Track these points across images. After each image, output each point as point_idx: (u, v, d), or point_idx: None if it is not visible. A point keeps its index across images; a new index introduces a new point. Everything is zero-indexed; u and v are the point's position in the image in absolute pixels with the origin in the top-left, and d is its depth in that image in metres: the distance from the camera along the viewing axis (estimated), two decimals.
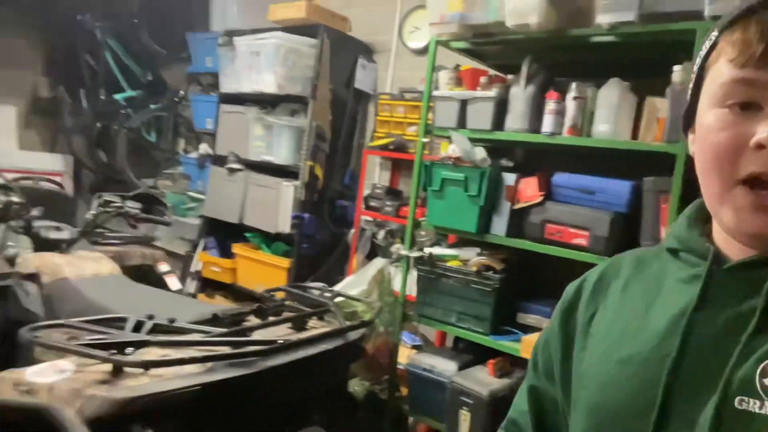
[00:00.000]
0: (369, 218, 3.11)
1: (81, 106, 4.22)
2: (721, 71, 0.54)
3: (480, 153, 2.18)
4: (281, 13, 3.30)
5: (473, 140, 2.19)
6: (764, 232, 0.53)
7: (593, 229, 1.90)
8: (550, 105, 2.00)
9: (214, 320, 1.47)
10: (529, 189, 2.09)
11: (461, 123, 2.25)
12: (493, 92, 2.16)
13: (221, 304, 3.01)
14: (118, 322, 1.32)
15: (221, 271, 3.41)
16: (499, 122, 2.16)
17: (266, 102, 3.35)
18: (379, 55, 3.43)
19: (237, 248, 3.38)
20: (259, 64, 3.23)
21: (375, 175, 3.36)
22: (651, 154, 1.82)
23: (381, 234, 2.99)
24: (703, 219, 0.63)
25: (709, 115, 0.55)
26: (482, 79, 2.23)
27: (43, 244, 1.94)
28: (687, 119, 0.61)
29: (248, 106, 3.38)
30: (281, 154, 3.25)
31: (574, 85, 1.97)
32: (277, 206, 3.16)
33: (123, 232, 2.34)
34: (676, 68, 1.74)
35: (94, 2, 4.06)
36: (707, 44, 0.58)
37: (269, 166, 3.29)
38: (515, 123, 2.11)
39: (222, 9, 3.74)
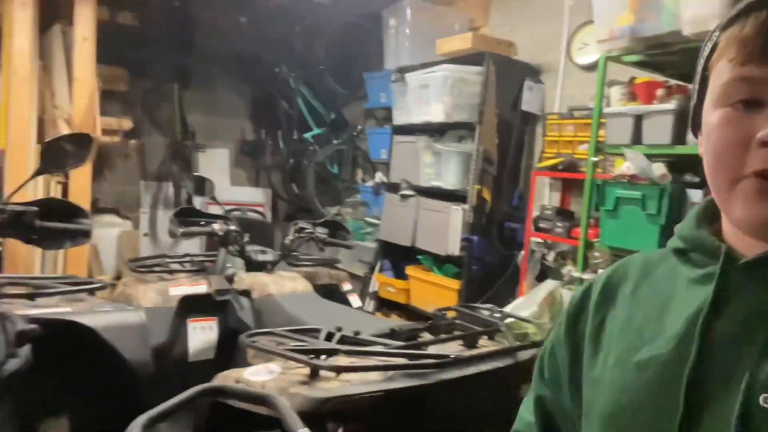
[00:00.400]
0: (539, 240, 3.07)
1: (278, 145, 4.85)
2: (723, 71, 0.54)
3: (659, 169, 2.06)
4: (448, 46, 3.48)
5: (651, 156, 2.08)
6: None
7: None
8: None
9: (392, 335, 1.61)
10: None
11: (636, 139, 2.16)
12: (672, 104, 2.04)
13: (397, 321, 3.21)
14: (313, 333, 1.53)
15: (396, 291, 3.63)
16: (680, 135, 2.03)
17: (435, 130, 3.53)
18: (546, 74, 3.40)
19: (410, 270, 3.57)
20: (428, 95, 3.42)
21: (544, 196, 3.31)
22: None
23: (551, 256, 2.94)
24: (710, 218, 0.62)
25: (713, 115, 0.55)
26: (659, 92, 2.11)
27: (253, 265, 2.28)
28: (695, 121, 0.61)
29: (418, 135, 3.60)
30: (449, 179, 3.39)
31: None
32: (446, 229, 3.29)
33: (313, 254, 2.65)
34: None
35: (289, 55, 4.67)
36: (709, 45, 0.57)
37: (439, 191, 3.44)
38: None
39: (395, 48, 4.04)
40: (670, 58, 2.17)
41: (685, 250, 0.63)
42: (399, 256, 3.76)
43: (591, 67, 3.06)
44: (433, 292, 3.35)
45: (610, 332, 0.64)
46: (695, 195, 1.98)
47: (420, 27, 3.85)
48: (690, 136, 1.99)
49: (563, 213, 3.03)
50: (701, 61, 0.59)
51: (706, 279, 0.58)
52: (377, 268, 3.88)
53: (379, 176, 4.21)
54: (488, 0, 3.77)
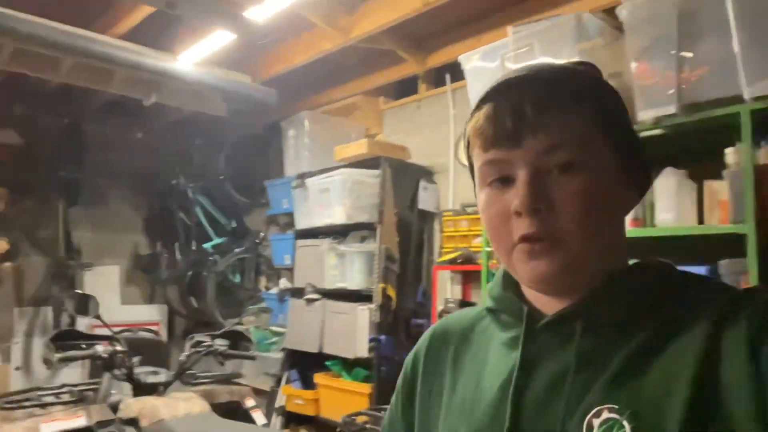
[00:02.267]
0: None
1: (175, 258, 4.63)
2: (477, 157, 0.62)
3: None
4: (346, 152, 3.62)
5: None
6: (545, 272, 0.57)
7: None
8: None
9: None
10: None
11: None
12: None
13: None
14: None
15: (304, 403, 3.42)
16: None
17: (337, 233, 3.56)
18: (438, 175, 3.62)
19: (319, 378, 3.41)
20: (329, 198, 3.49)
21: (447, 289, 3.38)
22: (719, 237, 1.77)
23: None
24: (516, 281, 0.66)
25: (481, 195, 0.63)
26: None
27: (142, 389, 2.07)
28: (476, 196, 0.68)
29: (321, 238, 3.61)
30: (354, 279, 3.38)
31: None
32: (354, 331, 3.22)
33: (212, 370, 2.46)
34: (728, 150, 1.75)
35: (187, 167, 4.62)
36: (465, 137, 0.65)
37: (344, 293, 3.40)
38: None
39: (294, 157, 4.14)
40: None
41: (496, 309, 0.68)
42: (307, 365, 3.59)
43: None
44: (344, 399, 3.19)
45: (437, 404, 0.68)
46: None
47: (318, 136, 4.00)
48: None
49: (466, 304, 3.09)
50: (464, 151, 0.67)
51: (514, 342, 0.63)
52: (284, 379, 3.67)
53: (284, 282, 4.11)
54: (381, 111, 4.03)
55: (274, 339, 3.91)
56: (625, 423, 0.51)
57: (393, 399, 0.75)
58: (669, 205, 1.90)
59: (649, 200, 1.97)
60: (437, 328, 0.75)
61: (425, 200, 3.54)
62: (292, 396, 3.52)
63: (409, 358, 0.75)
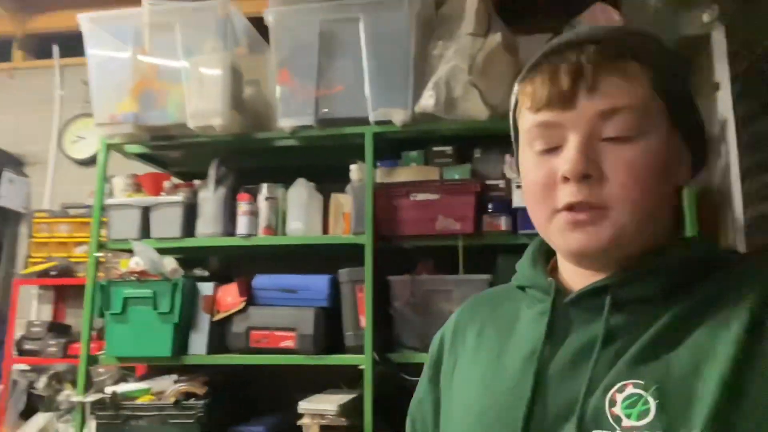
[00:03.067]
0: (24, 366, 2.41)
1: None
2: (525, 118, 0.60)
3: (170, 263, 1.93)
4: None
5: (161, 250, 1.94)
6: (587, 246, 0.56)
7: (299, 329, 1.83)
8: (243, 206, 1.94)
9: None
10: (229, 296, 1.93)
11: (145, 233, 1.99)
12: (180, 196, 1.98)
13: None
14: None
15: None
16: (189, 228, 1.98)
17: None
18: (33, 167, 2.89)
19: None
20: None
21: (31, 310, 2.68)
22: (342, 247, 1.90)
23: (42, 382, 2.33)
24: (546, 255, 0.67)
25: (525, 158, 0.61)
26: (166, 184, 2.04)
27: None
28: (517, 162, 0.66)
29: None
30: None
31: (265, 186, 1.96)
32: None
33: None
34: (353, 167, 1.90)
35: None
36: (513, 98, 0.64)
37: None
38: (207, 228, 1.97)
39: None
40: (175, 154, 2.17)
41: (524, 286, 0.66)
42: None
43: (88, 162, 2.79)
44: None
45: (460, 378, 0.66)
46: (206, 288, 1.93)
47: None
48: (200, 229, 1.98)
49: (58, 328, 2.50)
50: (511, 113, 0.64)
51: (540, 316, 0.61)
52: None
53: None
54: None
55: None
56: (650, 399, 0.50)
57: (421, 378, 0.73)
58: (299, 215, 1.94)
59: (282, 209, 1.97)
60: (466, 306, 0.73)
61: (8, 196, 2.77)
62: None
63: (436, 337, 0.73)
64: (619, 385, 0.52)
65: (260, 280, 1.94)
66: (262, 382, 2.05)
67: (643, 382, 0.51)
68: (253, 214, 1.94)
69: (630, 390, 0.51)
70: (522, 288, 0.67)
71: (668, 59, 0.58)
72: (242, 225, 1.92)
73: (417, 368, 1.74)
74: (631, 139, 0.54)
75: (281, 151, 2.02)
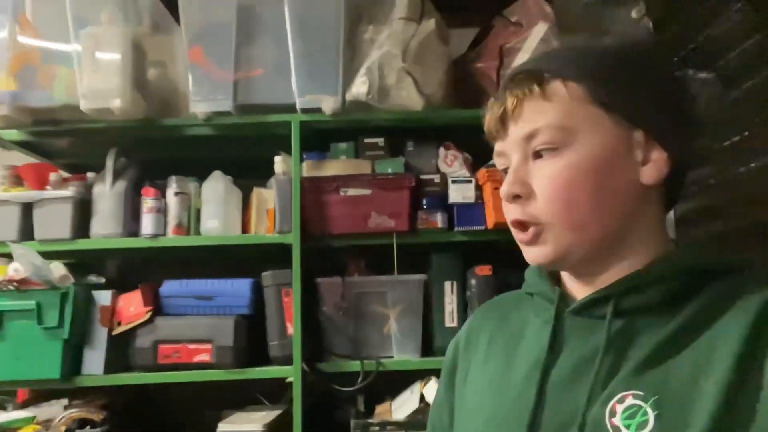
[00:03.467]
0: None
1: None
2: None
3: (58, 269, 1.65)
4: None
5: (47, 254, 1.66)
6: (540, 261, 0.60)
7: (217, 340, 1.63)
8: (149, 203, 1.70)
9: None
10: (132, 306, 1.68)
11: (27, 234, 1.69)
12: (70, 191, 1.70)
13: None
14: None
15: None
16: (82, 228, 1.71)
17: None
18: None
19: None
20: None
21: None
22: (266, 247, 1.72)
23: None
24: None
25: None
26: (53, 176, 1.74)
27: None
28: None
29: None
30: None
31: (174, 179, 1.73)
32: None
33: None
34: (277, 159, 1.72)
35: None
36: None
37: None
38: (105, 227, 1.70)
39: None
40: (62, 142, 1.87)
41: (532, 293, 0.68)
42: None
43: None
44: None
45: (470, 386, 0.68)
46: (103, 297, 1.67)
47: None
48: (95, 229, 1.71)
49: None
50: None
51: (546, 325, 0.62)
52: None
53: None
54: None
55: None
56: (648, 410, 0.51)
57: (438, 384, 0.76)
58: (215, 212, 1.73)
59: (196, 206, 1.75)
60: (479, 313, 0.74)
61: None
62: None
63: (451, 343, 0.75)
64: (619, 395, 0.52)
65: (169, 287, 1.71)
66: (173, 402, 1.83)
67: (642, 393, 0.51)
68: (161, 211, 1.71)
69: (630, 401, 0.52)
70: (530, 295, 0.69)
71: (601, 65, 0.59)
72: (148, 224, 1.68)
73: (350, 377, 1.66)
74: (556, 153, 0.57)
75: (194, 141, 1.80)
